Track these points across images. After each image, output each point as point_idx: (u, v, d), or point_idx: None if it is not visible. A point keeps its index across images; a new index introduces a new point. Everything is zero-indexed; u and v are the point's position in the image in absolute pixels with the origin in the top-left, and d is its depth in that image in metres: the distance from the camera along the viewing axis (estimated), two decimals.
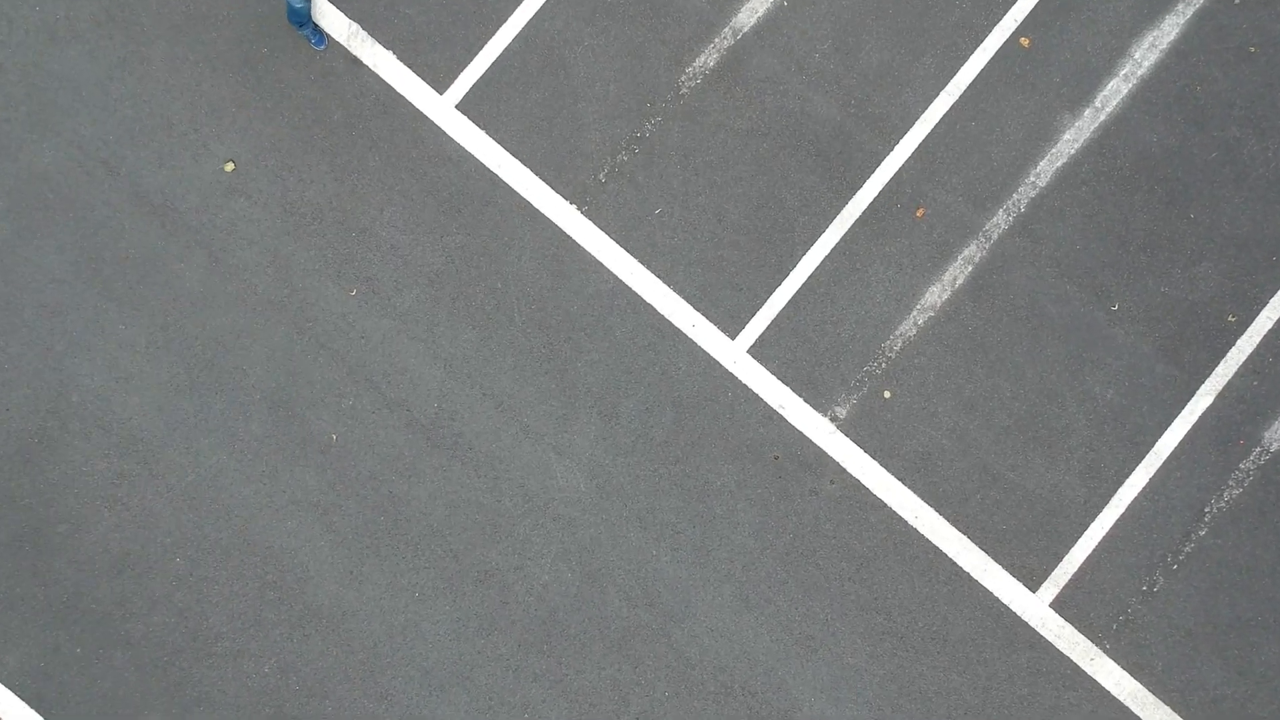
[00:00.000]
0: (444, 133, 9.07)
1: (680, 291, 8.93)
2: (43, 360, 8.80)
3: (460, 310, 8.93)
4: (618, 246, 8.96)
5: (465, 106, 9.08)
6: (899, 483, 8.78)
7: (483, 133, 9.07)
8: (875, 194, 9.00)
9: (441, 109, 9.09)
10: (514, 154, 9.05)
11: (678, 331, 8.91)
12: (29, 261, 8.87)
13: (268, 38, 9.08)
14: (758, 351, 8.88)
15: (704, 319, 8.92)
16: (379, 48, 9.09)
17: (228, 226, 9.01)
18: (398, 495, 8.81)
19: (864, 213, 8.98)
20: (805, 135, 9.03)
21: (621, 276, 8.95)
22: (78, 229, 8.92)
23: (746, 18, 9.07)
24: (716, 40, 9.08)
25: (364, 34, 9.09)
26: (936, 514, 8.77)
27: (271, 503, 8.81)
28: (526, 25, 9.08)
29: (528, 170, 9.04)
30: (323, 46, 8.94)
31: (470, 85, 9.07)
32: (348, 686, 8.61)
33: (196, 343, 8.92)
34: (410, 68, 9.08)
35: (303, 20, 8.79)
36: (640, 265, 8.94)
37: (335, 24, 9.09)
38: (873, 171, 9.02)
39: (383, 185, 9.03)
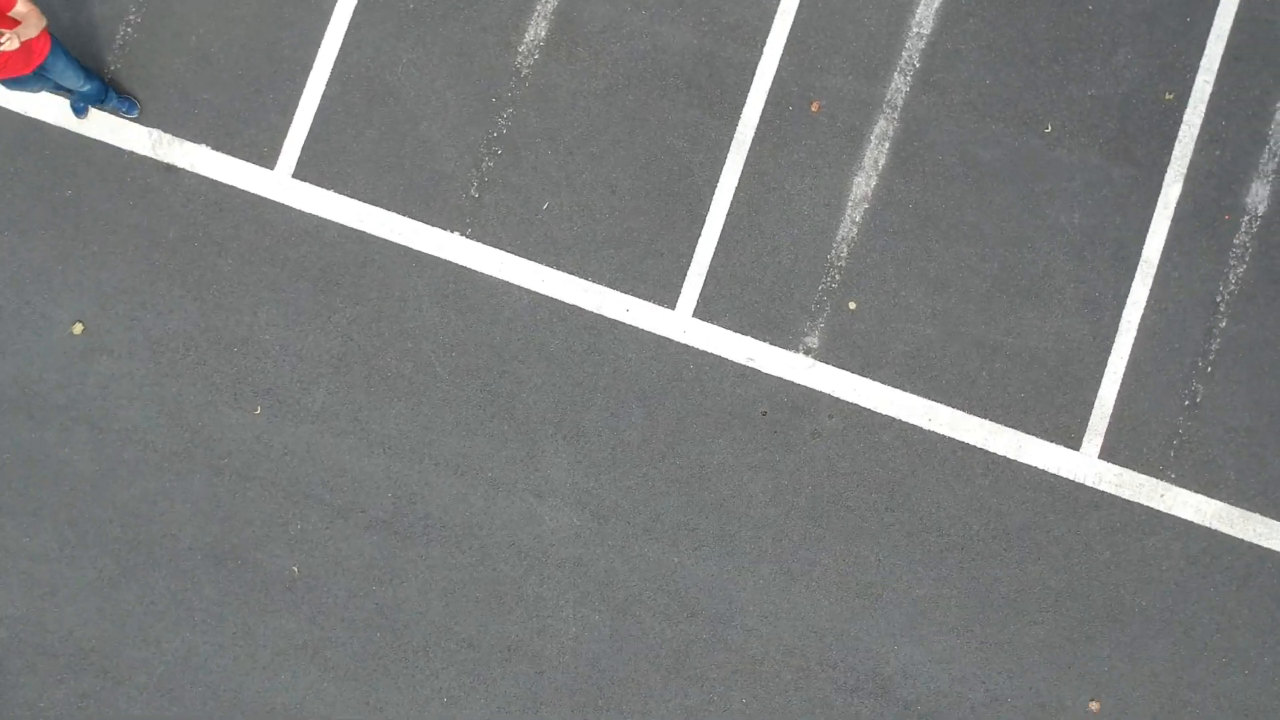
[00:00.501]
0: (289, 207, 8.15)
1: (601, 280, 8.09)
2: None
3: (378, 387, 8.03)
4: (518, 258, 8.10)
5: (302, 172, 8.17)
6: (899, 391, 8.00)
7: (330, 192, 8.16)
8: (762, 105, 8.21)
9: (278, 184, 8.17)
10: (372, 202, 8.16)
11: (614, 323, 8.07)
12: None
13: (66, 176, 8.11)
14: (704, 311, 8.07)
15: (636, 300, 8.09)
16: (189, 145, 8.15)
17: (100, 392, 8.04)
18: (386, 604, 7.90)
19: (758, 129, 8.18)
20: (668, 71, 8.22)
21: (533, 288, 8.09)
22: None
23: None
24: (539, 7, 8.24)
25: (168, 137, 8.14)
26: (949, 408, 8.00)
27: (255, 663, 7.87)
28: (334, 65, 8.18)
29: (393, 214, 8.14)
30: (135, 113, 7.98)
31: (299, 149, 8.16)
32: None
33: (112, 526, 7.95)
34: (229, 154, 8.15)
35: (101, 97, 7.80)
36: (549, 269, 8.09)
37: (135, 138, 8.13)
38: (750, 83, 8.23)
39: (246, 288, 8.10)
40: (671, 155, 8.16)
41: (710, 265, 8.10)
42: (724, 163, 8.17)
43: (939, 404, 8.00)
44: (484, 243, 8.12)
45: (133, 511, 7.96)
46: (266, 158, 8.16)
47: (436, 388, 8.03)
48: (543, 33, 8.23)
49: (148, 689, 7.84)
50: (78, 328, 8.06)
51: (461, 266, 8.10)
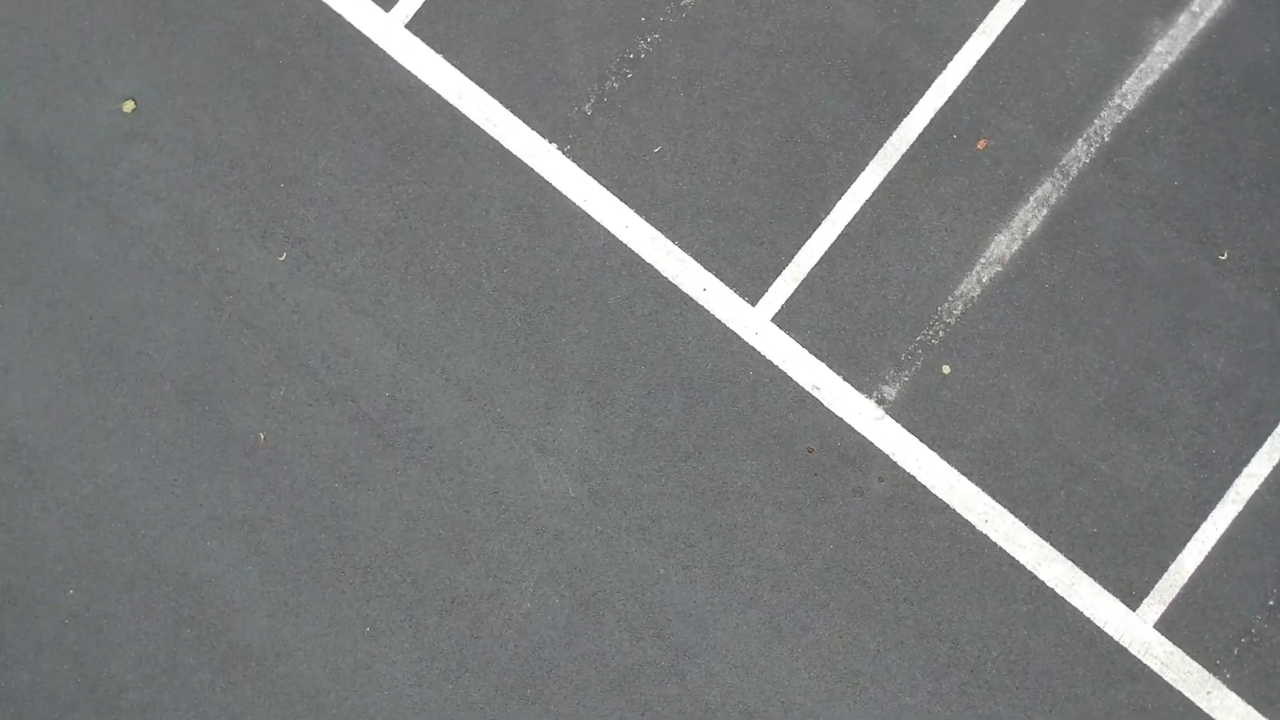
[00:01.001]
0: (391, 58, 7.37)
1: (687, 248, 7.23)
2: None
3: (415, 277, 7.24)
4: (609, 194, 7.26)
5: (417, 25, 7.38)
6: (964, 478, 7.08)
7: (439, 57, 7.37)
8: (925, 123, 7.29)
9: (388, 29, 7.39)
10: (478, 82, 7.35)
11: (685, 298, 7.21)
12: None
13: None
14: (785, 320, 7.18)
15: (717, 281, 7.22)
16: None
17: (128, 180, 7.32)
18: (342, 507, 7.12)
19: (912, 146, 7.28)
20: (838, 52, 7.32)
21: (614, 230, 7.25)
22: None
23: None
24: None
25: None
26: (1012, 516, 7.07)
27: (186, 519, 7.12)
28: None
29: (495, 102, 7.33)
30: None
31: None
32: None
33: (91, 323, 7.23)
34: None
35: None
36: (637, 216, 7.24)
37: None
38: (922, 95, 7.31)
39: (317, 125, 7.33)
40: (810, 142, 7.28)
41: (809, 272, 7.21)
42: (863, 169, 7.27)
43: (1002, 507, 7.07)
44: (579, 165, 7.29)
45: (117, 316, 7.23)
46: None
47: (475, 299, 7.22)
48: None
49: (67, 506, 7.13)
50: (129, 105, 7.34)
51: (546, 182, 7.28)
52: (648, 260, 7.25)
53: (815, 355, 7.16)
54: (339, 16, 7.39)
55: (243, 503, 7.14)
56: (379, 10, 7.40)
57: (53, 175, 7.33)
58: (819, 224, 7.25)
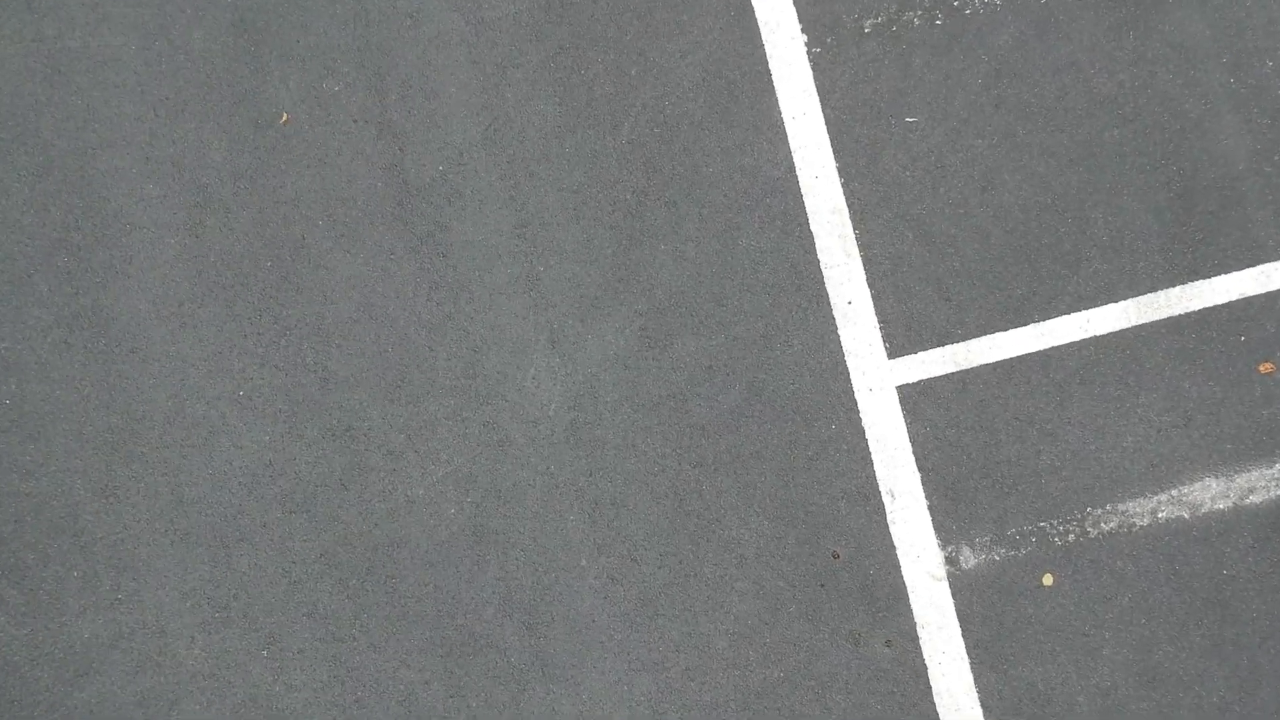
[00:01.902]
0: None
1: (865, 246, 5.52)
2: None
3: (557, 80, 5.64)
4: (824, 127, 5.58)
5: None
6: (979, 708, 5.28)
7: None
8: (1221, 302, 5.46)
9: None
10: None
11: (822, 294, 5.51)
12: None
13: None
14: (909, 396, 5.44)
15: (869, 304, 5.50)
16: None
17: None
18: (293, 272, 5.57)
19: (1187, 315, 5.45)
20: (1180, 156, 5.53)
21: (800, 169, 5.58)
22: None
23: None
24: None
25: None
26: None
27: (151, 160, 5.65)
28: None
29: None
30: None
31: None
32: None
33: None
34: None
35: None
36: (836, 175, 5.55)
37: None
38: (1240, 269, 5.48)
39: None
40: (1080, 226, 5.50)
41: (974, 367, 5.46)
42: (1117, 300, 5.46)
43: None
44: (815, 72, 5.61)
45: None
46: None
47: (605, 137, 5.60)
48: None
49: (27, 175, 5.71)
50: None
51: (768, 68, 5.62)
52: (813, 229, 5.55)
53: (915, 456, 5.41)
54: None
55: (215, 187, 5.65)
56: None
57: None
58: (1025, 323, 5.47)
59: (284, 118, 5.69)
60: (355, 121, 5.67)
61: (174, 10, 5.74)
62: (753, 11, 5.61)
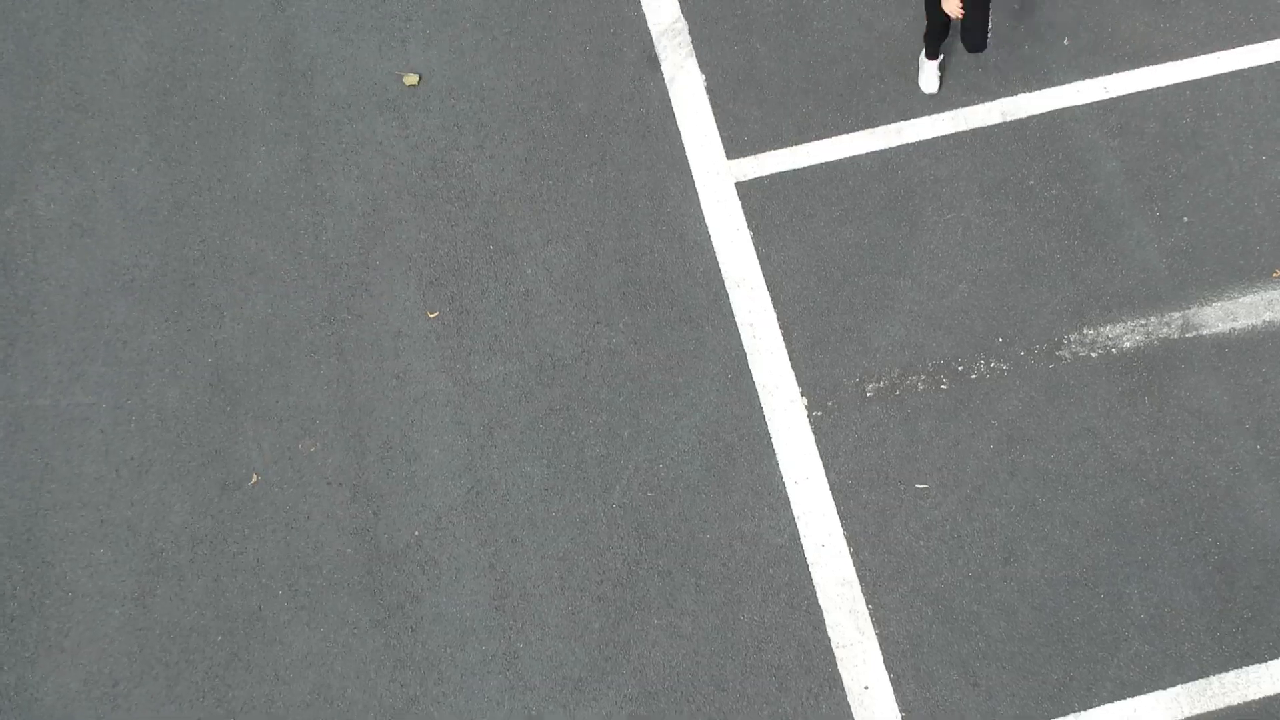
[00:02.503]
0: (703, 216, 5.83)
1: (881, 625, 4.99)
2: None
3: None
4: (828, 492, 5.22)
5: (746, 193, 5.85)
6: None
7: (753, 249, 5.76)
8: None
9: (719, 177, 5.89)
10: (771, 288, 5.64)
11: (835, 678, 4.90)
12: None
13: None
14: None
15: (888, 688, 4.89)
16: None
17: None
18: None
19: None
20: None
21: (805, 536, 5.15)
22: None
23: None
24: None
25: None
26: None
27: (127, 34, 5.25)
28: None
29: (775, 320, 5.56)
30: None
31: None
32: None
33: None
34: None
35: None
36: (845, 546, 5.12)
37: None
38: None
39: None
40: (1125, 613, 4.98)
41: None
42: (1165, 688, 4.85)
43: None
44: (815, 436, 5.31)
45: None
46: None
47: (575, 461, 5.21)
48: None
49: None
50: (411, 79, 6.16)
51: (767, 430, 5.33)
52: (821, 603, 5.05)
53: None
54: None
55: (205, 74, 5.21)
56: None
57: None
58: (1064, 714, 4.84)
59: (254, 479, 5.35)
60: (328, 484, 5.32)
61: (152, 369, 5.55)
62: (750, 374, 5.41)
